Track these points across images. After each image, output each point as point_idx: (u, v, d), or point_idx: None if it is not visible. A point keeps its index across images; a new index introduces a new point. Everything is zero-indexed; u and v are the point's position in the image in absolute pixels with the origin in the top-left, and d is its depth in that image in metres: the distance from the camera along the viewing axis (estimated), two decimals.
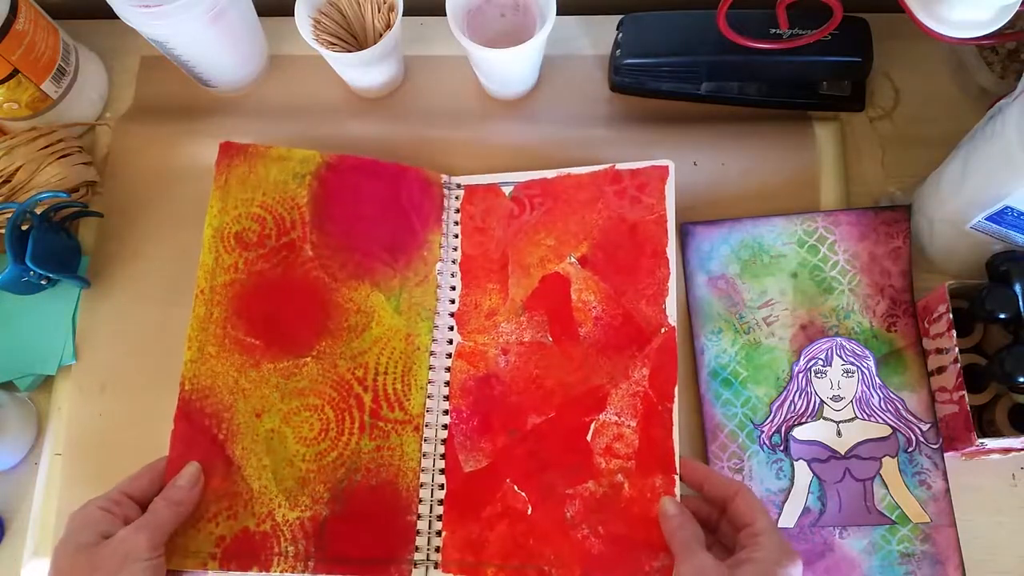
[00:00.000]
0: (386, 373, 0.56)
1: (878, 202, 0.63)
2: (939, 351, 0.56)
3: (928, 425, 0.57)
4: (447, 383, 0.57)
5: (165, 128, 0.67)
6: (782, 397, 0.58)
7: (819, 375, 0.58)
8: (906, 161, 0.64)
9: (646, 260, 0.57)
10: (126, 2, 0.57)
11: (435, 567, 0.53)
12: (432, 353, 0.58)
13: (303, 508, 0.53)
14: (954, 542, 0.55)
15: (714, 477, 0.51)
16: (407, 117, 0.67)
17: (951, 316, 0.54)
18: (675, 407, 0.53)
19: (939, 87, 0.66)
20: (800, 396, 0.58)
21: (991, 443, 0.52)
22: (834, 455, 0.56)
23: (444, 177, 0.62)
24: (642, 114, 0.66)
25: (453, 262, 0.60)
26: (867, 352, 0.58)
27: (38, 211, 0.59)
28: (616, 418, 0.54)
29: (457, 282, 0.60)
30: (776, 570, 0.45)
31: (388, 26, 0.61)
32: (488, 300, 0.59)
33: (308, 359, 0.56)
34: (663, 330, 0.55)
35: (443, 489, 0.55)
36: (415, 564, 0.53)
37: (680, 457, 0.52)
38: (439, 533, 0.54)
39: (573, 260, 0.58)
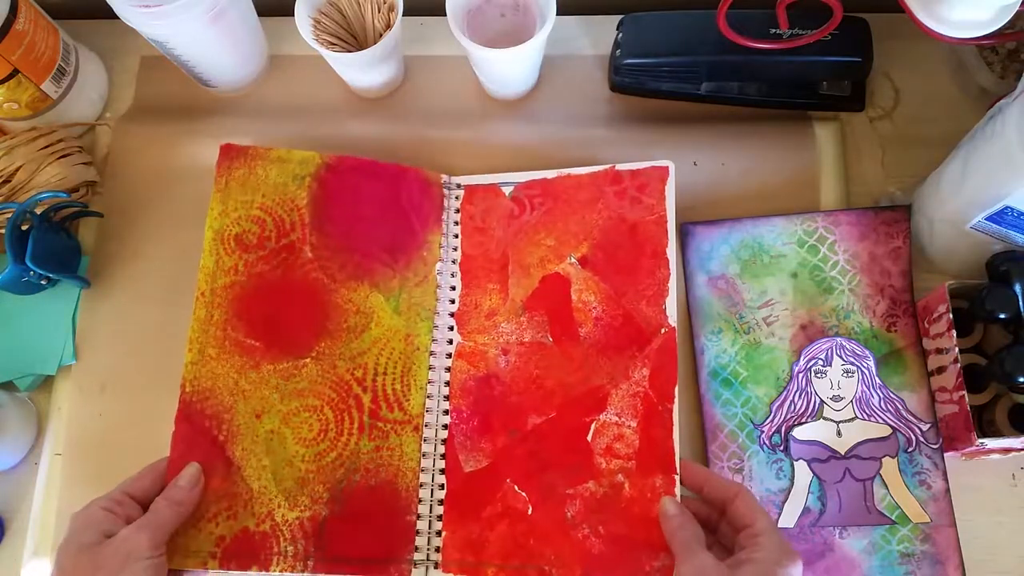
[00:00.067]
0: (385, 373, 0.56)
1: (878, 202, 0.63)
2: (939, 351, 0.56)
3: (928, 425, 0.57)
4: (447, 383, 0.57)
5: (165, 128, 0.67)
6: (782, 397, 0.58)
7: (819, 375, 0.58)
8: (906, 161, 0.64)
9: (646, 260, 0.57)
10: (126, 2, 0.56)
11: (435, 567, 0.53)
12: (432, 353, 0.58)
13: (302, 508, 0.53)
14: (954, 542, 0.55)
15: (714, 479, 0.51)
16: (407, 117, 0.67)
17: (951, 316, 0.54)
18: (675, 407, 0.53)
19: (939, 87, 0.66)
20: (800, 396, 0.58)
21: (991, 443, 0.52)
22: (834, 455, 0.56)
23: (444, 177, 0.62)
24: (642, 114, 0.66)
25: (453, 262, 0.60)
26: (867, 352, 0.58)
27: (38, 211, 0.59)
28: (616, 418, 0.54)
29: (457, 282, 0.60)
30: (776, 570, 0.45)
31: (388, 26, 0.61)
32: (488, 300, 0.59)
33: (307, 360, 0.56)
34: (663, 330, 0.55)
35: (443, 489, 0.55)
36: (415, 564, 0.53)
37: (680, 459, 0.52)
38: (439, 533, 0.54)
39: (573, 260, 0.58)
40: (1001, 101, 0.51)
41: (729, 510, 0.49)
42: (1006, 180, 0.49)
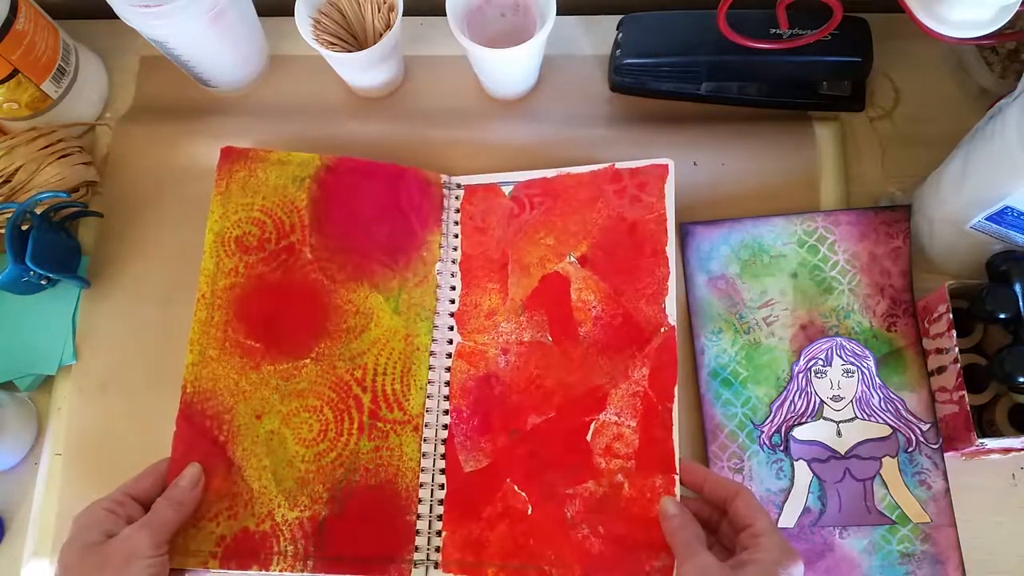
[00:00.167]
0: (385, 374, 0.56)
1: (878, 202, 0.63)
2: (939, 351, 0.56)
3: (928, 425, 0.57)
4: (447, 383, 0.57)
5: (165, 128, 0.67)
6: (782, 397, 0.58)
7: (819, 375, 0.58)
8: (906, 161, 0.64)
9: (646, 259, 0.57)
10: (126, 2, 0.56)
11: (435, 567, 0.53)
12: (432, 353, 0.58)
13: (302, 508, 0.53)
14: (954, 542, 0.55)
15: (714, 479, 0.51)
16: (407, 117, 0.67)
17: (951, 316, 0.54)
18: (675, 407, 0.53)
19: (939, 87, 0.66)
20: (800, 396, 0.58)
21: (991, 443, 0.52)
22: (834, 455, 0.56)
23: (444, 177, 0.62)
24: (642, 114, 0.66)
25: (453, 262, 0.60)
26: (867, 352, 0.58)
27: (38, 211, 0.59)
28: (616, 418, 0.54)
29: (457, 282, 0.60)
30: (777, 570, 0.45)
31: (388, 26, 0.61)
32: (488, 300, 0.59)
33: (307, 361, 0.56)
34: (663, 330, 0.55)
35: (443, 489, 0.55)
36: (415, 564, 0.53)
37: (680, 459, 0.52)
38: (439, 533, 0.54)
39: (573, 259, 0.58)
40: (1001, 101, 0.51)
41: (730, 510, 0.49)
42: (1006, 180, 0.49)
